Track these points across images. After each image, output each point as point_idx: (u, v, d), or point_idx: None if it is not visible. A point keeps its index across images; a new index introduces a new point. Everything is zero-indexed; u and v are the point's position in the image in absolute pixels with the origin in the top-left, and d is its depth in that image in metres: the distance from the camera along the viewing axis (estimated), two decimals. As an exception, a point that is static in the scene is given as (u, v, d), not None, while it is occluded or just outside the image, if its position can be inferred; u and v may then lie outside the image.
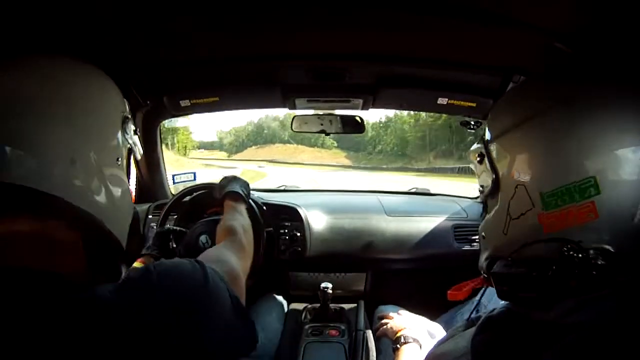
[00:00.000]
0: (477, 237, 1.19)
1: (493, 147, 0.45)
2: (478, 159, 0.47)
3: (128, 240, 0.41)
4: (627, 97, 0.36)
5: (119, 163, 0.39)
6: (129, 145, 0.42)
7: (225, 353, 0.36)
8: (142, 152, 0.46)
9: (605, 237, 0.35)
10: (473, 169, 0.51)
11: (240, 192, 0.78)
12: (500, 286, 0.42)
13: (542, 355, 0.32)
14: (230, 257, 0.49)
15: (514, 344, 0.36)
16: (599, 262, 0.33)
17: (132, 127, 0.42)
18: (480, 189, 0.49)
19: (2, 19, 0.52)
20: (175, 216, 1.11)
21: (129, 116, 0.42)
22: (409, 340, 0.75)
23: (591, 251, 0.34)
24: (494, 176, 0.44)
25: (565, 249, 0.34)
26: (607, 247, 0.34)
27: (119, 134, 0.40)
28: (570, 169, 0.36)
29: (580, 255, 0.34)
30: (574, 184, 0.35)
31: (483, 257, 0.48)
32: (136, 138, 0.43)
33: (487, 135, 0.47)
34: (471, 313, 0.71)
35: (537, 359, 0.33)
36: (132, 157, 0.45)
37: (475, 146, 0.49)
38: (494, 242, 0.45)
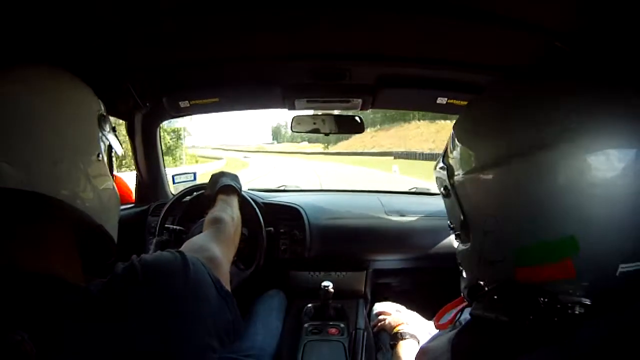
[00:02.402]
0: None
1: (459, 181, 0.40)
2: (443, 191, 0.43)
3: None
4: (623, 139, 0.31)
5: (100, 159, 0.40)
6: (108, 143, 0.43)
7: (214, 337, 0.36)
8: (121, 149, 0.48)
9: (584, 290, 0.32)
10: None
11: (233, 184, 0.79)
12: (480, 326, 0.39)
13: (524, 356, 0.32)
14: (212, 244, 0.49)
15: (494, 344, 0.36)
16: (577, 312, 0.32)
17: (109, 126, 0.44)
18: (449, 224, 0.45)
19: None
20: (176, 216, 1.11)
21: (105, 114, 0.43)
22: (406, 337, 0.76)
23: (568, 304, 0.32)
24: (461, 217, 0.40)
25: (542, 300, 0.33)
26: (585, 300, 0.32)
27: (98, 133, 0.41)
28: (546, 226, 0.32)
29: (558, 306, 0.32)
30: (550, 242, 0.32)
31: (463, 284, 0.45)
32: (112, 136, 0.44)
33: (452, 164, 0.41)
34: (456, 314, 0.71)
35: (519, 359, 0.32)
36: (112, 154, 0.46)
37: (439, 170, 0.44)
38: (470, 275, 0.43)
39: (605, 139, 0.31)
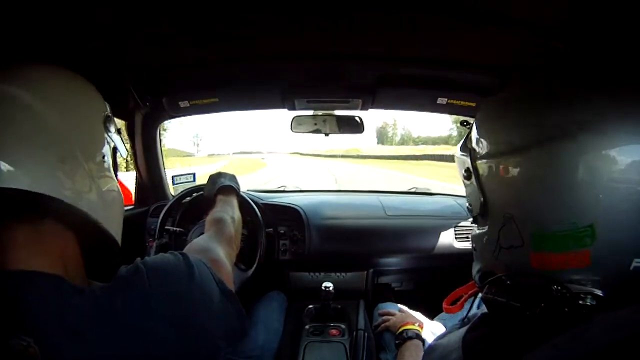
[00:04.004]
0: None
1: (482, 165, 0.40)
2: (464, 174, 0.43)
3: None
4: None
5: (105, 161, 0.40)
6: (113, 144, 0.43)
7: (220, 337, 0.37)
8: (125, 150, 0.48)
9: (597, 282, 0.33)
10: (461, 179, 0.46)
11: (232, 185, 0.79)
12: (491, 310, 0.40)
13: (531, 353, 0.33)
14: (214, 245, 0.49)
15: (504, 341, 0.36)
16: (588, 303, 0.32)
17: (115, 127, 0.43)
18: (468, 206, 0.45)
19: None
20: (175, 217, 1.11)
21: (110, 115, 0.43)
22: (412, 336, 0.76)
23: (581, 293, 0.32)
24: (482, 199, 0.40)
25: (554, 288, 0.33)
26: (598, 292, 0.32)
27: (103, 133, 0.41)
28: (566, 214, 0.33)
29: (569, 295, 0.32)
30: (570, 231, 0.32)
31: (475, 268, 0.46)
32: (117, 137, 0.44)
33: (476, 148, 0.42)
34: (468, 311, 0.71)
35: (525, 356, 0.33)
36: (117, 155, 0.45)
37: (461, 154, 0.44)
38: (484, 261, 0.44)
39: (627, 133, 0.32)
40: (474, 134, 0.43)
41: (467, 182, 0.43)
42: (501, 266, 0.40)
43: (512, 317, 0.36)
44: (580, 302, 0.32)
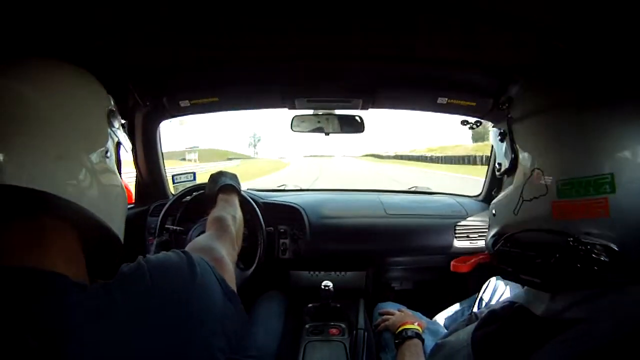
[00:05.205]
0: (476, 235, 1.20)
1: (516, 127, 0.46)
2: (499, 137, 0.48)
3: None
4: None
5: (109, 157, 0.39)
6: (117, 139, 0.42)
7: (222, 337, 0.36)
8: (130, 145, 0.47)
9: (613, 235, 0.34)
10: (494, 145, 0.51)
11: (233, 184, 0.79)
12: (504, 265, 0.43)
13: (540, 349, 0.33)
14: (216, 244, 0.49)
15: (513, 337, 0.37)
16: (602, 259, 0.34)
17: (119, 122, 0.42)
18: (497, 166, 0.50)
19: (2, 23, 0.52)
20: (175, 216, 1.11)
21: (114, 110, 0.42)
22: (412, 335, 0.76)
23: (596, 246, 0.34)
24: (512, 156, 0.45)
25: (571, 239, 0.35)
26: (613, 245, 0.34)
27: (106, 129, 0.40)
28: (589, 162, 0.36)
29: (584, 248, 0.34)
30: (591, 177, 0.35)
31: (490, 234, 0.49)
32: (121, 133, 0.43)
33: (513, 114, 0.47)
34: (472, 309, 0.72)
35: (535, 352, 0.34)
36: (120, 151, 0.45)
37: (498, 125, 0.50)
38: (503, 221, 0.47)
39: None
40: (515, 101, 0.48)
41: (501, 143, 0.48)
42: (520, 224, 0.42)
43: (525, 269, 0.38)
44: (594, 255, 0.34)
